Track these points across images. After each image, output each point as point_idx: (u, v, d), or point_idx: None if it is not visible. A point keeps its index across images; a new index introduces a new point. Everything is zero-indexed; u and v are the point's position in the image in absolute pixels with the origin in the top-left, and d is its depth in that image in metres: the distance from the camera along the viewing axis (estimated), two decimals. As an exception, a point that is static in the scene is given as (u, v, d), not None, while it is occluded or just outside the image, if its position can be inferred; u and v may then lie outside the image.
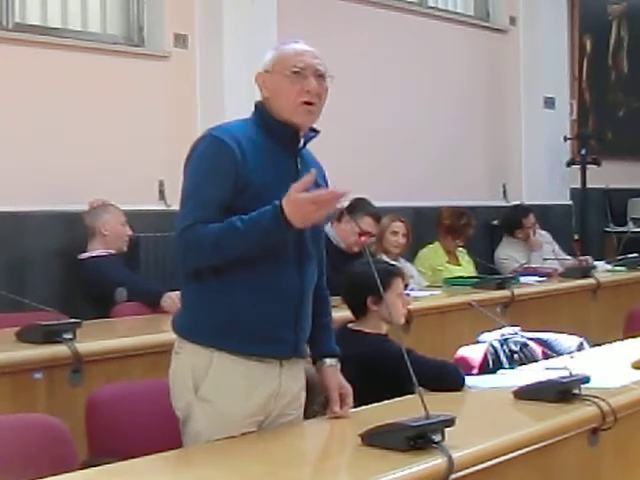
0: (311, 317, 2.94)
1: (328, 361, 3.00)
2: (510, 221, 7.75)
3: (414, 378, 2.65)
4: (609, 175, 9.48)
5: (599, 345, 4.44)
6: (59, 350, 3.80)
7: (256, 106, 2.91)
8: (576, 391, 3.14)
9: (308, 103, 2.80)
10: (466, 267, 6.93)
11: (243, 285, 2.76)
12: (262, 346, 2.80)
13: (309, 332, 2.94)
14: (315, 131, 2.91)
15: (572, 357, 3.90)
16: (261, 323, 2.78)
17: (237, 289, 2.77)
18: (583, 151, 9.00)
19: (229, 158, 2.73)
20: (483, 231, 7.91)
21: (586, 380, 3.19)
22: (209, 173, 2.74)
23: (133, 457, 2.57)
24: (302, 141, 2.87)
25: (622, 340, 4.71)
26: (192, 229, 2.67)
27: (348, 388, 3.01)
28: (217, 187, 2.72)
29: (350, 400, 2.99)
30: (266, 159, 2.79)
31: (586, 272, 6.89)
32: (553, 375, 3.24)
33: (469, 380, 3.50)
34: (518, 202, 8.30)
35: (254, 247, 2.69)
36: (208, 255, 2.70)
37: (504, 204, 8.42)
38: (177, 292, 4.65)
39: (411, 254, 6.79)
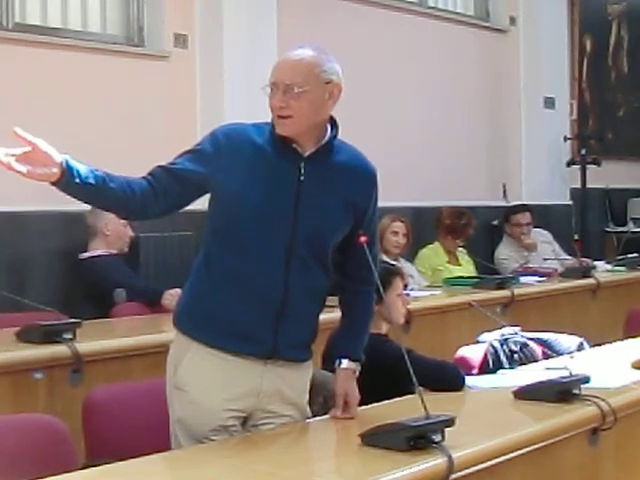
0: (341, 318, 3.03)
1: (342, 362, 3.00)
2: (505, 217, 7.77)
3: (414, 378, 2.65)
4: (609, 175, 9.48)
5: (599, 345, 4.44)
6: (59, 350, 3.80)
7: None
8: (576, 391, 3.14)
9: (277, 116, 2.82)
10: (466, 267, 6.93)
11: (226, 282, 2.83)
12: (237, 343, 2.83)
13: (308, 336, 2.96)
14: (336, 128, 2.91)
15: (572, 357, 3.90)
16: (237, 320, 2.83)
17: (220, 285, 2.84)
18: (583, 151, 9.00)
19: (212, 152, 2.83)
20: (483, 231, 7.90)
21: (586, 380, 3.19)
22: (190, 152, 2.87)
23: (131, 457, 2.57)
24: (317, 147, 2.86)
25: (622, 340, 4.71)
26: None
27: (354, 397, 2.99)
28: (184, 164, 2.83)
29: (353, 410, 2.98)
30: (263, 167, 2.82)
31: (586, 272, 6.89)
32: (553, 375, 3.24)
33: (469, 380, 3.50)
34: (518, 202, 8.29)
35: None
36: None
37: (504, 204, 8.42)
38: (177, 289, 4.68)
39: (411, 254, 6.79)
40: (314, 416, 3.07)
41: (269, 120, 2.89)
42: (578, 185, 8.99)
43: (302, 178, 2.84)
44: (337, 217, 2.91)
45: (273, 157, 2.83)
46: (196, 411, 2.83)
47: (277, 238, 2.81)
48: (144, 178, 2.82)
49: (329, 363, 3.58)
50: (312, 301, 2.93)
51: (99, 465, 2.55)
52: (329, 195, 2.87)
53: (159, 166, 2.85)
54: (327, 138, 2.88)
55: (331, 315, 4.34)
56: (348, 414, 2.96)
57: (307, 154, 2.86)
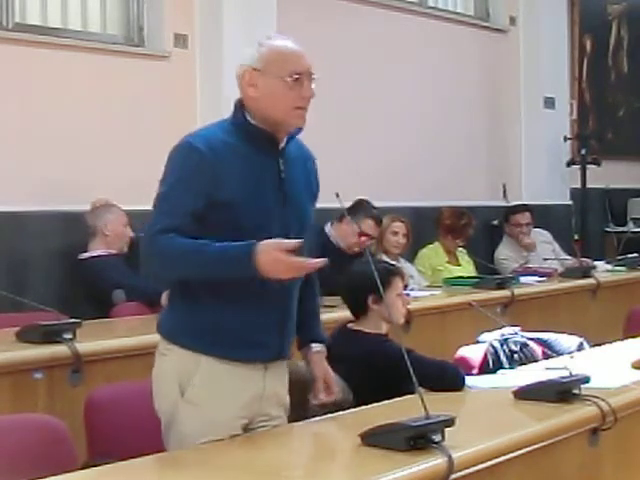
0: (298, 306, 2.94)
1: (314, 346, 2.98)
2: (505, 217, 7.77)
3: (414, 378, 2.65)
4: (609, 175, 9.48)
5: (599, 345, 4.43)
6: (59, 350, 3.79)
7: (235, 106, 2.84)
8: (576, 391, 3.14)
9: (300, 107, 2.77)
10: (466, 267, 6.93)
11: (228, 290, 2.74)
12: (247, 351, 2.80)
13: (294, 332, 2.94)
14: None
15: (572, 357, 3.90)
16: (246, 329, 2.78)
17: (222, 294, 2.74)
18: (583, 151, 9.00)
19: (203, 167, 2.69)
20: (483, 231, 7.90)
21: (586, 380, 3.19)
22: (182, 180, 2.70)
23: (132, 457, 2.57)
24: (285, 141, 2.83)
25: (622, 340, 4.71)
26: (162, 236, 2.66)
27: (332, 376, 2.99)
28: (189, 195, 2.69)
29: (335, 388, 2.98)
30: (244, 165, 2.74)
31: (586, 272, 6.88)
32: (553, 375, 3.24)
33: (469, 380, 3.50)
34: (518, 202, 8.28)
35: (214, 275, 2.69)
36: (170, 267, 2.71)
37: (504, 204, 8.42)
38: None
39: (411, 254, 6.79)
40: (314, 416, 3.07)
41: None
42: (578, 185, 8.99)
43: (283, 175, 2.81)
44: (310, 209, 2.91)
45: (253, 156, 2.77)
46: (211, 424, 2.75)
47: (274, 238, 2.79)
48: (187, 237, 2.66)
49: (330, 363, 3.58)
50: (297, 296, 2.92)
51: (100, 464, 2.56)
52: (301, 188, 2.86)
53: (167, 229, 2.65)
54: (294, 130, 2.84)
55: (332, 315, 4.36)
56: (332, 394, 2.97)
57: (280, 147, 2.83)
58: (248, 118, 2.79)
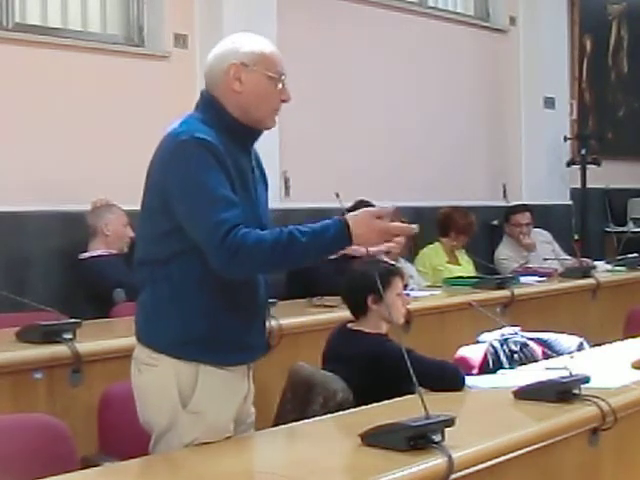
0: None
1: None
2: (505, 217, 7.77)
3: (414, 378, 2.65)
4: (609, 175, 9.48)
5: (599, 345, 4.43)
6: (59, 350, 3.80)
7: (208, 100, 2.80)
8: (576, 391, 3.14)
9: (277, 110, 2.79)
10: (466, 267, 6.93)
11: (221, 294, 2.71)
12: (240, 354, 2.80)
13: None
14: None
15: (572, 357, 3.90)
16: (241, 334, 2.77)
17: (216, 298, 2.71)
18: (583, 151, 9.01)
19: (220, 158, 2.65)
20: (483, 231, 7.90)
21: (586, 380, 3.19)
22: (217, 174, 2.63)
23: (136, 456, 2.58)
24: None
25: (622, 340, 4.71)
26: (237, 233, 2.56)
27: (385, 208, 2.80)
28: (227, 187, 2.64)
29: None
30: (234, 164, 2.70)
31: (586, 272, 6.88)
32: (553, 375, 3.23)
33: (469, 380, 3.50)
34: (518, 202, 8.29)
35: (312, 259, 2.65)
36: (263, 263, 2.62)
37: (504, 204, 8.42)
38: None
39: (411, 254, 6.79)
40: (314, 416, 3.07)
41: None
42: (578, 185, 8.99)
43: (256, 172, 2.83)
44: (267, 201, 2.91)
45: (239, 155, 2.75)
46: (210, 431, 2.72)
47: None
48: (252, 229, 2.61)
49: (330, 363, 3.59)
50: None
51: (100, 464, 2.56)
52: (261, 182, 2.87)
53: (236, 224, 2.57)
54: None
55: (331, 315, 4.36)
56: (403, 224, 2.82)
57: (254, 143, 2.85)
58: (230, 113, 2.76)
